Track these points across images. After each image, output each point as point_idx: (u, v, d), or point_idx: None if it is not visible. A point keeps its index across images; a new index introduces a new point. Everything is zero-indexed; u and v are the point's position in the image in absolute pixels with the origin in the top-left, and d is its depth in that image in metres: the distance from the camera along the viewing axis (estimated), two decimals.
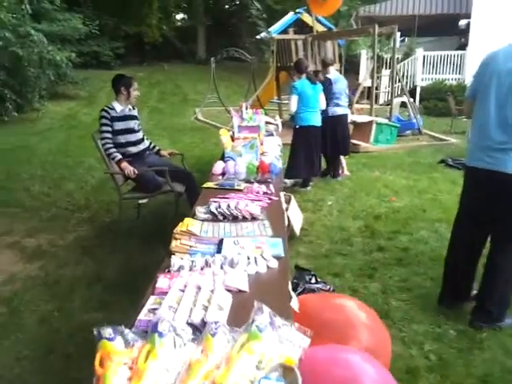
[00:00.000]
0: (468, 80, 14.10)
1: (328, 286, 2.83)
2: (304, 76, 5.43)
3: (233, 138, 3.82)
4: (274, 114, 10.57)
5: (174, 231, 1.99)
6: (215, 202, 2.44)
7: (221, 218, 2.26)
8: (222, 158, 3.52)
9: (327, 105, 5.70)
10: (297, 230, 3.96)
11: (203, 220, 2.24)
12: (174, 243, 1.91)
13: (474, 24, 14.37)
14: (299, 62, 5.64)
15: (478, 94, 2.71)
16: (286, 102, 13.58)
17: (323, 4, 10.04)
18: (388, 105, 13.35)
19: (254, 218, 2.27)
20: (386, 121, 8.95)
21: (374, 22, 10.28)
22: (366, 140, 8.26)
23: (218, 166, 3.29)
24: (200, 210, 2.33)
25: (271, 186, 2.80)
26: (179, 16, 24.97)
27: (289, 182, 5.66)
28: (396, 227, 4.32)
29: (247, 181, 2.99)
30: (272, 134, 4.82)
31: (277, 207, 2.54)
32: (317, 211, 4.79)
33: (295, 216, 4.04)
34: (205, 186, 2.91)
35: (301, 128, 5.46)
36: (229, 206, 2.31)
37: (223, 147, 3.57)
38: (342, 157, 6.23)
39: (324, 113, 5.63)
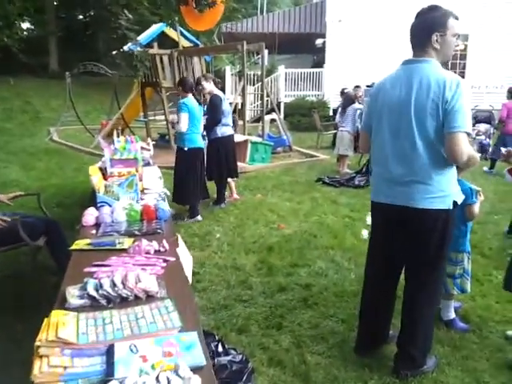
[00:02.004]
0: (327, 96, 14.98)
1: (240, 356, 2.35)
2: (190, 95, 4.98)
3: (105, 176, 3.15)
4: (141, 135, 9.86)
5: (37, 341, 1.34)
6: (93, 274, 1.82)
7: (104, 302, 1.65)
8: (93, 201, 2.83)
9: (216, 124, 5.34)
10: (189, 277, 3.42)
11: (78, 308, 1.60)
12: (37, 367, 1.26)
13: (330, 43, 15.33)
14: (185, 81, 5.17)
15: (372, 126, 2.51)
16: (153, 118, 13.04)
17: (200, 17, 9.62)
18: (255, 121, 13.52)
19: (149, 297, 1.71)
20: (259, 139, 8.87)
21: (236, 39, 10.25)
22: (242, 160, 8.04)
23: (90, 216, 2.59)
24: (72, 293, 1.69)
25: (164, 242, 2.25)
26: (25, 25, 22.47)
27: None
28: (292, 259, 4.04)
29: (130, 233, 2.39)
30: (149, 163, 4.23)
31: (176, 272, 2.01)
32: (205, 248, 4.31)
33: (185, 260, 3.50)
34: (74, 246, 2.22)
35: (190, 150, 4.98)
36: (113, 282, 1.72)
37: (94, 188, 2.89)
38: (230, 180, 5.86)
39: (210, 134, 5.29)
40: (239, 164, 7.87)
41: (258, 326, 2.94)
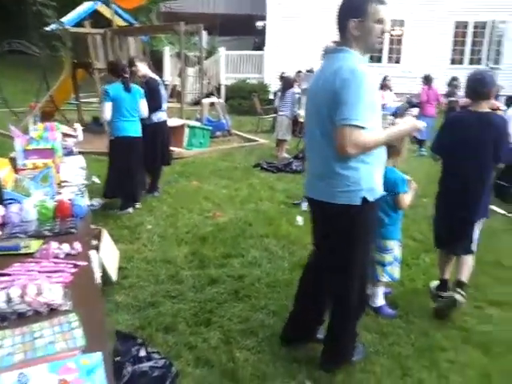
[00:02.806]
0: (267, 79, 14.87)
1: (163, 361, 2.23)
2: (119, 80, 4.66)
3: (16, 169, 2.89)
4: (73, 118, 9.34)
5: None
6: None
7: None
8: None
9: (155, 110, 5.04)
10: (113, 274, 3.25)
11: None
12: None
13: (270, 25, 15.17)
14: (115, 64, 4.83)
15: None
16: (85, 100, 12.36)
17: None
18: (195, 104, 13.21)
19: (53, 311, 1.55)
20: (198, 123, 8.65)
21: (175, 19, 9.88)
22: (179, 145, 7.81)
23: None
24: None
25: (76, 244, 2.06)
26: None
27: (96, 203, 4.82)
28: (226, 249, 3.95)
29: (40, 234, 2.18)
30: (72, 152, 3.95)
31: (86, 279, 1.83)
32: (135, 240, 4.12)
33: (109, 256, 3.32)
34: None
35: (117, 139, 4.70)
36: (9, 296, 1.53)
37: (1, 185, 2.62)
38: None
39: (145, 120, 4.96)
40: (176, 149, 7.67)
41: (186, 324, 2.83)
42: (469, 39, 15.50)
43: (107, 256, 3.25)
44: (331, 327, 2.47)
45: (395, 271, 3.12)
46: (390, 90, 10.90)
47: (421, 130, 2.44)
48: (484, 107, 3.10)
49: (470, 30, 15.43)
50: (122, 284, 3.28)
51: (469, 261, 3.20)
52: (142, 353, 2.25)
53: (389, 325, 2.97)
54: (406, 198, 2.96)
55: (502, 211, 5.26)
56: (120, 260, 3.55)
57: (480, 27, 15.39)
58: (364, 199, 2.15)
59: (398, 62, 15.38)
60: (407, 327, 2.96)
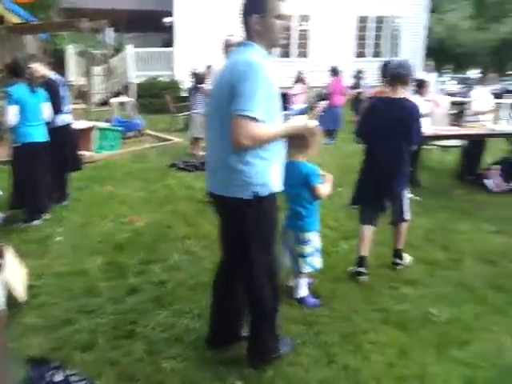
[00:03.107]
0: (179, 76, 14.61)
1: (83, 383, 2.07)
2: (23, 81, 4.26)
3: None
4: None
5: None
6: None
7: None
8: None
9: (56, 112, 4.69)
10: (20, 295, 2.98)
11: None
12: None
13: (178, 22, 14.89)
14: (16, 63, 4.41)
15: None
16: None
17: None
18: (103, 104, 12.63)
19: None
20: (108, 125, 8.27)
21: (78, 15, 9.34)
22: (88, 148, 7.40)
23: None
24: None
25: None
26: None
27: None
28: (145, 255, 3.80)
29: None
30: None
31: None
32: (44, 255, 3.80)
33: (15, 274, 3.04)
34: None
35: (22, 146, 4.32)
36: None
37: None
38: None
39: (49, 123, 4.61)
40: (86, 153, 7.27)
41: (106, 339, 2.67)
42: (371, 33, 16.37)
43: (12, 275, 2.97)
44: (250, 324, 2.46)
45: (316, 261, 3.18)
46: (304, 84, 11.17)
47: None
48: (401, 93, 3.44)
49: (372, 25, 16.29)
50: (31, 304, 3.02)
51: (404, 228, 3.65)
52: (58, 377, 2.08)
53: (313, 314, 3.02)
54: (323, 189, 3.01)
55: (410, 194, 5.58)
56: (28, 278, 3.27)
57: (380, 22, 16.31)
58: (257, 194, 2.15)
59: (306, 56, 15.84)
60: (331, 315, 3.03)
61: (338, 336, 2.80)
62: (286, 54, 15.69)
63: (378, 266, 3.73)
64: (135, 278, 3.42)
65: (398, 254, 3.75)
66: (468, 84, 18.97)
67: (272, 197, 2.23)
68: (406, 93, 3.58)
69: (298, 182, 2.99)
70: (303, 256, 3.11)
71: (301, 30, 15.75)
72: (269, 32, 2.14)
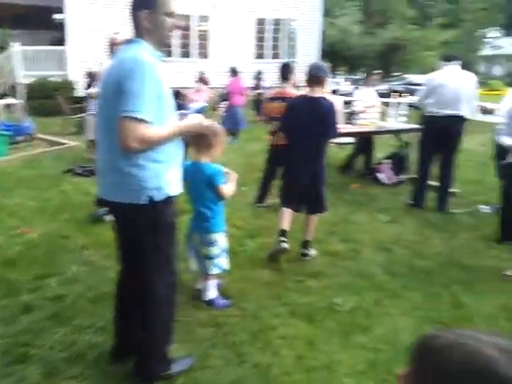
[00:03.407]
0: (72, 76, 13.79)
1: None
2: None
3: None
4: None
5: None
6: None
7: None
8: None
9: None
10: None
11: None
12: None
13: (70, 18, 14.03)
14: None
15: None
16: None
17: None
18: None
19: None
20: None
21: None
22: None
23: None
24: None
25: None
26: None
27: None
28: (39, 270, 3.50)
29: None
30: None
31: None
32: None
33: None
34: None
35: None
36: None
37: None
38: None
39: None
40: None
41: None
42: (269, 35, 16.78)
43: None
44: (140, 341, 2.31)
45: (224, 262, 3.16)
46: (207, 84, 11.13)
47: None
48: (318, 92, 3.72)
49: (270, 27, 16.71)
50: None
51: (315, 221, 3.93)
52: None
53: (223, 315, 3.00)
54: (227, 189, 3.00)
55: None
56: None
57: (277, 24, 16.79)
58: (151, 199, 2.06)
59: (206, 56, 15.82)
60: (240, 314, 3.04)
61: (247, 335, 2.81)
62: (186, 55, 15.55)
63: (283, 261, 3.82)
64: (29, 294, 3.14)
65: (306, 245, 3.91)
66: (359, 85, 20.31)
67: (169, 201, 2.14)
68: (324, 92, 3.84)
69: (202, 183, 2.95)
70: (210, 258, 3.07)
71: (201, 31, 15.71)
72: (158, 29, 2.06)
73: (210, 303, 3.11)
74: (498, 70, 35.17)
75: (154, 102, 1.94)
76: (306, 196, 3.88)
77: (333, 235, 4.43)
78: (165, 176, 2.09)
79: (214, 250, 3.07)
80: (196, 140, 2.89)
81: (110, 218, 3.82)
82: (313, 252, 3.96)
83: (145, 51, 2.00)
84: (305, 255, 3.90)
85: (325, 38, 20.28)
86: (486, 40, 25.04)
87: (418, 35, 22.89)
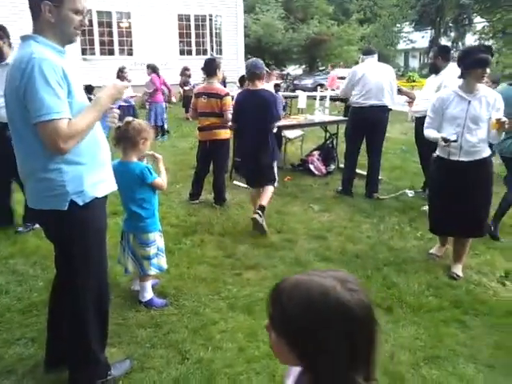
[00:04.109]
0: None
1: None
2: None
3: None
4: None
5: None
6: None
7: None
8: None
9: None
10: None
11: None
12: None
13: None
14: None
15: None
16: None
17: None
18: None
19: None
20: None
21: None
22: None
23: None
24: None
25: None
26: None
27: None
28: None
29: None
30: None
31: None
32: None
33: None
34: None
35: None
36: None
37: None
38: None
39: None
40: None
41: None
42: (193, 31, 16.61)
43: None
44: (68, 354, 2.23)
45: (161, 261, 3.11)
46: (128, 81, 10.80)
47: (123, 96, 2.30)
48: (258, 86, 4.31)
49: (193, 23, 16.54)
50: None
51: (271, 190, 4.51)
52: None
53: (162, 315, 2.96)
54: (160, 181, 2.94)
55: (243, 184, 5.86)
56: None
57: (201, 20, 16.65)
58: (74, 203, 1.97)
59: (130, 54, 15.37)
60: (180, 312, 3.01)
61: (188, 332, 2.79)
62: (110, 52, 15.03)
63: (221, 256, 3.83)
64: None
65: (261, 208, 4.38)
66: (288, 79, 20.71)
67: (96, 204, 2.05)
68: (263, 84, 4.43)
69: (133, 183, 2.88)
70: (148, 258, 3.01)
71: (123, 27, 15.24)
72: (62, 25, 1.92)
73: (148, 304, 3.05)
74: (414, 63, 37.37)
75: (64, 97, 1.84)
76: (259, 172, 4.46)
77: (268, 227, 4.49)
78: (87, 178, 2.00)
79: (151, 250, 3.01)
80: (121, 139, 2.82)
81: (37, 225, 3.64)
82: (260, 218, 4.36)
83: (42, 48, 1.87)
84: (259, 215, 4.33)
85: (249, 33, 20.48)
86: (401, 35, 26.53)
87: (339, 30, 23.73)
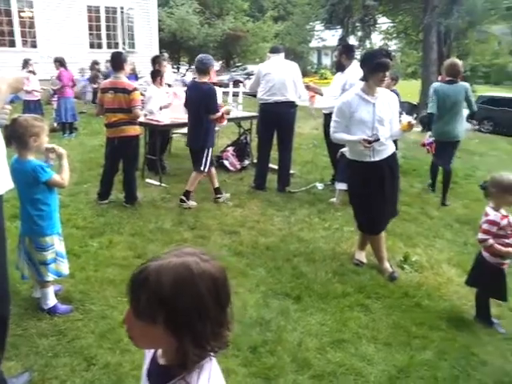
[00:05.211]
0: None
1: None
2: None
3: None
4: None
5: None
6: None
7: None
8: None
9: None
10: None
11: None
12: None
13: None
14: None
15: None
16: None
17: None
18: None
19: None
20: None
21: None
22: None
23: None
24: None
25: None
26: None
27: None
28: None
29: None
30: None
31: None
32: None
33: None
34: None
35: None
36: None
37: None
38: None
39: None
40: None
41: None
42: (104, 24, 15.91)
43: None
44: None
45: (61, 267, 2.94)
46: (34, 74, 10.10)
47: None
48: (203, 79, 4.93)
49: (103, 15, 15.84)
50: None
51: (193, 176, 5.01)
52: None
53: (66, 322, 2.83)
54: (56, 179, 2.76)
55: (157, 182, 5.75)
56: None
57: (112, 12, 16.00)
58: None
59: (34, 46, 14.39)
60: (86, 317, 2.90)
61: (95, 337, 2.70)
62: (10, 43, 13.97)
63: (131, 256, 3.73)
64: None
65: (186, 194, 4.95)
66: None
67: None
68: (207, 78, 4.99)
69: (27, 182, 2.70)
70: (44, 263, 2.83)
71: (25, 17, 14.21)
72: None
73: (51, 311, 2.89)
74: (327, 60, 38.83)
75: None
76: (194, 156, 5.07)
77: (181, 224, 4.45)
78: None
79: (48, 255, 2.84)
80: (10, 139, 2.60)
81: None
82: (191, 202, 4.97)
83: None
84: (182, 201, 4.91)
85: (163, 27, 20.04)
86: (313, 33, 27.37)
87: (254, 27, 24.00)
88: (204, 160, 4.95)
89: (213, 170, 5.19)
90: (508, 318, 3.20)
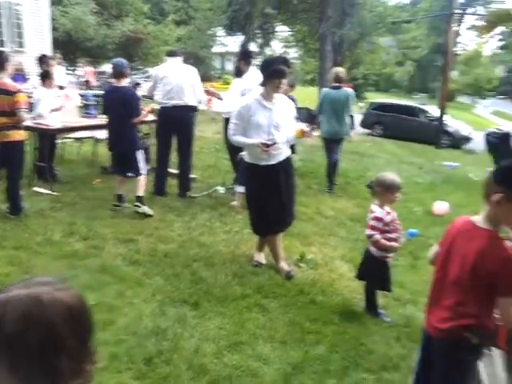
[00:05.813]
0: None
1: None
2: None
3: None
4: None
5: None
6: None
7: None
8: None
9: None
10: None
11: None
12: None
13: None
14: None
15: None
16: None
17: None
18: None
19: None
20: None
21: None
22: None
23: None
24: None
25: None
26: None
27: None
28: None
29: None
30: None
31: None
32: None
33: None
34: None
35: None
36: None
37: None
38: None
39: None
40: None
41: None
42: None
43: None
44: None
45: None
46: None
47: None
48: (122, 83, 4.91)
49: None
50: None
51: (141, 180, 4.97)
52: None
53: None
54: None
55: (46, 191, 5.37)
56: None
57: None
58: None
59: (2, 44, 12.77)
60: None
61: None
62: None
63: (15, 272, 3.43)
64: None
65: (139, 199, 4.89)
66: (105, 77, 19.70)
67: None
68: (126, 82, 5.05)
69: None
70: None
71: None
72: None
73: None
74: (230, 66, 39.28)
75: None
76: (124, 162, 5.02)
77: (72, 235, 4.18)
78: None
79: None
80: None
81: None
82: (145, 208, 4.86)
83: None
84: (138, 206, 4.85)
85: (58, 27, 18.91)
86: (215, 38, 27.56)
87: (156, 30, 23.55)
88: (139, 163, 4.98)
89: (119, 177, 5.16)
90: (392, 308, 3.44)
